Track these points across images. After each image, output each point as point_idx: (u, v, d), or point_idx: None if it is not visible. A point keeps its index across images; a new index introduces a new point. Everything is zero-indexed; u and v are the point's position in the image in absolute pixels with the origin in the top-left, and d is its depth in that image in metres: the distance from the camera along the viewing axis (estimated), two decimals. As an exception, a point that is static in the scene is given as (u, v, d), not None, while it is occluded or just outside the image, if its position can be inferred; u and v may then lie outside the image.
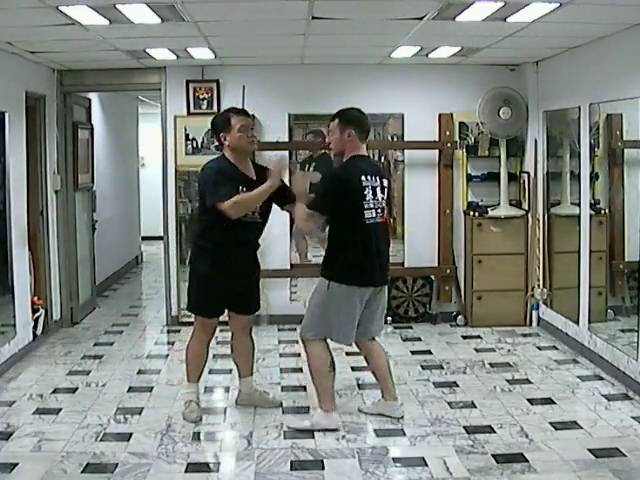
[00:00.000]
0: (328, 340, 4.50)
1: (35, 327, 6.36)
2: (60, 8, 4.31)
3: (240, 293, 4.64)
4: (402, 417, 4.60)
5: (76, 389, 5.30)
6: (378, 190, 4.39)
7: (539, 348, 6.30)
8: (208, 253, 4.53)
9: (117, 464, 3.99)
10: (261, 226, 4.60)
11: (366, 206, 4.32)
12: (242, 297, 4.68)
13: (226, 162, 4.50)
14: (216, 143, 7.11)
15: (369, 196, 4.34)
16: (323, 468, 3.96)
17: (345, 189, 4.31)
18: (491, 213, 6.97)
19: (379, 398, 4.74)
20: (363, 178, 4.32)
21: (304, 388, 5.24)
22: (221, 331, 6.89)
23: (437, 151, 7.05)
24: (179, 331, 7.01)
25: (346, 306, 4.37)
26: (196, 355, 4.74)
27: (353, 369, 5.63)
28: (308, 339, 4.50)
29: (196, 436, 4.43)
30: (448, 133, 7.01)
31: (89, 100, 8.06)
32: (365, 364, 5.97)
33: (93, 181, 8.06)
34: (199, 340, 4.72)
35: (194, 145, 7.07)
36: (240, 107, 6.80)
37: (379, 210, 4.39)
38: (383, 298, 4.62)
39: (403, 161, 7.37)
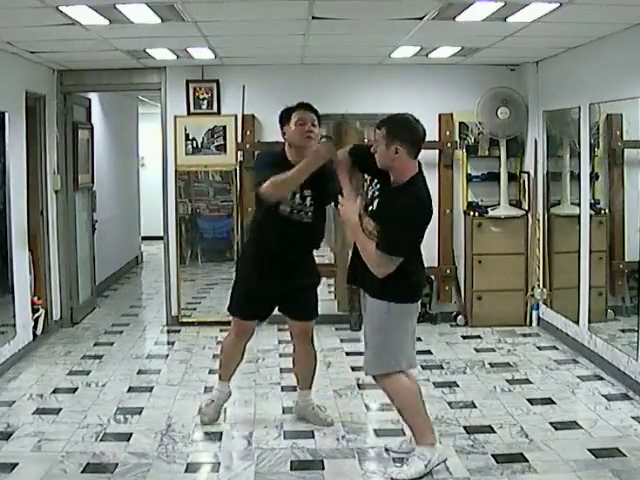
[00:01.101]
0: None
1: (35, 327, 6.36)
2: (60, 8, 4.31)
3: (289, 298, 4.38)
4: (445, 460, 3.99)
5: (76, 389, 5.30)
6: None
7: (539, 348, 6.30)
8: (250, 253, 4.42)
9: (117, 464, 3.99)
10: (314, 228, 4.30)
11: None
12: (292, 302, 4.41)
13: (280, 153, 4.28)
14: (216, 143, 7.28)
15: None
16: (323, 468, 3.96)
17: (428, 220, 3.82)
18: (491, 213, 6.97)
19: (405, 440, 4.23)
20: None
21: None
22: (221, 331, 6.94)
23: (437, 151, 7.05)
24: (179, 331, 7.01)
25: (408, 324, 3.91)
26: (228, 354, 4.62)
27: (353, 369, 5.63)
28: (381, 376, 3.94)
29: (196, 436, 4.43)
30: (448, 133, 7.01)
31: (89, 100, 8.06)
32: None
33: (93, 181, 8.06)
34: (232, 340, 4.59)
35: (194, 145, 7.06)
36: (242, 107, 6.95)
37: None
38: None
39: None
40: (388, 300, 3.78)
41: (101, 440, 4.34)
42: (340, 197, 3.85)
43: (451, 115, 7.03)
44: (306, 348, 4.53)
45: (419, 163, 3.80)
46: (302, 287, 4.38)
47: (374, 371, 3.94)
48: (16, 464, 3.98)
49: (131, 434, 4.42)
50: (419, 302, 4.04)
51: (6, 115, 5.76)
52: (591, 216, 5.88)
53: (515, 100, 6.91)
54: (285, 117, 4.29)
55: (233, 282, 4.58)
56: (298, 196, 4.18)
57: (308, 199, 4.21)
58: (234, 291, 4.54)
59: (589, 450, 4.09)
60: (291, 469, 3.95)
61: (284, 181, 3.97)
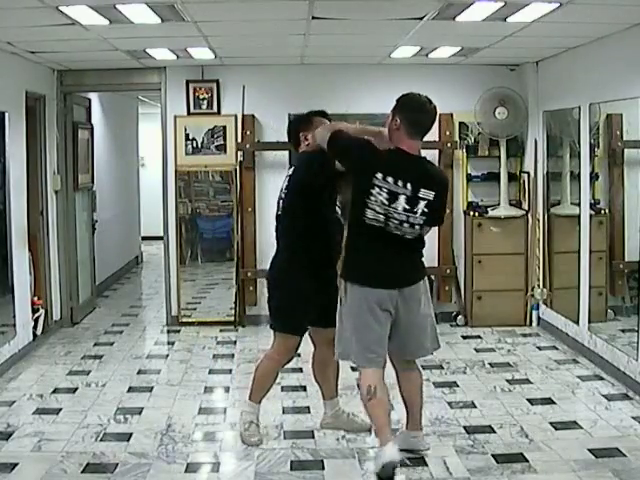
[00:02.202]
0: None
1: (35, 327, 6.36)
2: (60, 8, 4.31)
3: (327, 304, 4.02)
4: (428, 449, 4.07)
5: (76, 389, 5.30)
6: (402, 199, 3.65)
7: (539, 348, 6.30)
8: (296, 261, 4.10)
9: (117, 464, 3.99)
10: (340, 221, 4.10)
11: (378, 208, 3.67)
12: (328, 308, 4.01)
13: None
14: (216, 143, 7.28)
15: (382, 198, 3.65)
16: (323, 468, 3.96)
17: (362, 163, 3.73)
18: (491, 213, 6.97)
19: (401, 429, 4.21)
20: (379, 175, 3.65)
21: (304, 388, 5.24)
22: (221, 331, 6.95)
23: (437, 151, 7.04)
24: (179, 331, 7.02)
25: (362, 317, 3.77)
26: (265, 375, 4.29)
27: (353, 369, 5.62)
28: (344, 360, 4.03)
29: (196, 436, 4.43)
30: (448, 133, 7.01)
31: (89, 100, 8.07)
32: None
33: (93, 181, 8.07)
34: (274, 360, 4.27)
35: (194, 145, 7.07)
36: (242, 107, 6.94)
37: (394, 220, 3.68)
38: (419, 306, 3.88)
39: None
40: (343, 277, 3.82)
41: (101, 440, 4.34)
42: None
43: (451, 115, 7.03)
44: (332, 354, 4.10)
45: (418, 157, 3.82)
46: (336, 290, 4.00)
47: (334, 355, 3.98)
48: (16, 464, 3.98)
49: (131, 434, 4.42)
50: (383, 302, 3.73)
51: (6, 115, 5.77)
52: (591, 216, 5.88)
53: (513, 100, 6.90)
54: (305, 123, 4.17)
55: (272, 301, 4.27)
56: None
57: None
58: (277, 303, 4.23)
59: (589, 450, 4.09)
60: (291, 469, 3.95)
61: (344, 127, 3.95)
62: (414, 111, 3.78)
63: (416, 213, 3.67)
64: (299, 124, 4.21)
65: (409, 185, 3.65)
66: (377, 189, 3.64)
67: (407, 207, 3.65)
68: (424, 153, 7.23)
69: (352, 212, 3.78)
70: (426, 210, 3.68)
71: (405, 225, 3.67)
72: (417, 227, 3.71)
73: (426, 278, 3.97)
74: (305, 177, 4.06)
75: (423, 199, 3.67)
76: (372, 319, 3.75)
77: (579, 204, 5.99)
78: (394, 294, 3.77)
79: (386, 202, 3.64)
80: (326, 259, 4.05)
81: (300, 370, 5.58)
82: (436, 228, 7.05)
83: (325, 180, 3.98)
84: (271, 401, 4.82)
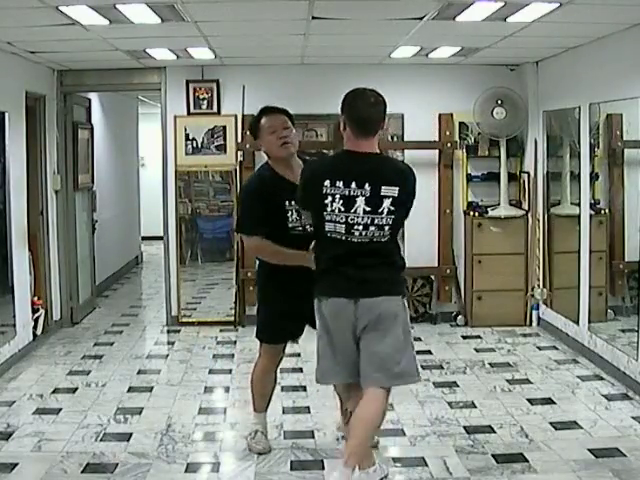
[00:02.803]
0: None
1: (35, 327, 6.36)
2: (60, 8, 4.31)
3: (309, 318, 3.79)
4: (386, 476, 3.75)
5: (76, 389, 5.30)
6: (361, 202, 3.35)
7: (539, 348, 6.30)
8: (269, 272, 4.00)
9: (117, 464, 3.99)
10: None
11: (336, 218, 3.38)
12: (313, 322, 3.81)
13: (268, 172, 3.91)
14: (216, 143, 7.28)
15: (337, 207, 3.37)
16: (323, 468, 3.96)
17: (311, 185, 3.48)
18: (491, 213, 6.97)
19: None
20: (327, 183, 3.37)
21: (304, 388, 5.24)
22: (221, 331, 6.95)
23: (437, 151, 7.05)
24: (179, 331, 7.02)
25: (322, 330, 3.56)
26: (259, 382, 4.19)
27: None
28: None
29: (196, 436, 4.43)
30: (448, 133, 7.01)
31: (89, 100, 8.07)
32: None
33: (93, 181, 8.07)
34: (262, 366, 4.16)
35: (194, 145, 7.07)
36: (242, 107, 6.94)
37: (357, 226, 3.37)
38: (383, 331, 3.45)
39: (403, 161, 7.35)
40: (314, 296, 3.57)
41: (101, 440, 4.34)
42: None
43: (451, 115, 7.03)
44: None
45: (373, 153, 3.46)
46: None
47: None
48: (16, 464, 3.98)
49: (131, 434, 4.41)
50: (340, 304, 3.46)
51: (6, 115, 5.77)
52: (591, 216, 5.88)
53: (512, 100, 6.89)
54: (255, 128, 3.96)
55: (257, 305, 4.27)
56: (295, 215, 3.84)
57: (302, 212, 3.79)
58: (259, 315, 4.17)
59: (589, 450, 4.09)
60: (291, 469, 3.95)
61: (273, 255, 3.81)
62: (356, 108, 3.48)
63: (382, 213, 3.36)
64: (254, 132, 3.98)
65: (367, 185, 3.34)
66: (329, 198, 3.35)
67: (368, 209, 3.34)
68: (425, 153, 7.37)
69: (314, 228, 3.54)
70: (392, 208, 3.37)
71: (372, 228, 3.35)
72: (387, 228, 3.39)
73: (404, 305, 3.52)
74: None
75: (387, 197, 3.35)
76: (330, 337, 3.50)
77: (579, 204, 5.99)
78: (349, 306, 3.41)
79: (343, 209, 3.34)
80: (298, 273, 3.75)
81: (300, 370, 5.58)
82: (436, 228, 7.11)
83: (250, 223, 3.85)
84: (271, 401, 4.81)
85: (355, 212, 3.34)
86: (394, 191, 3.37)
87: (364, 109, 3.47)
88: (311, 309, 3.66)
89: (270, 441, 4.26)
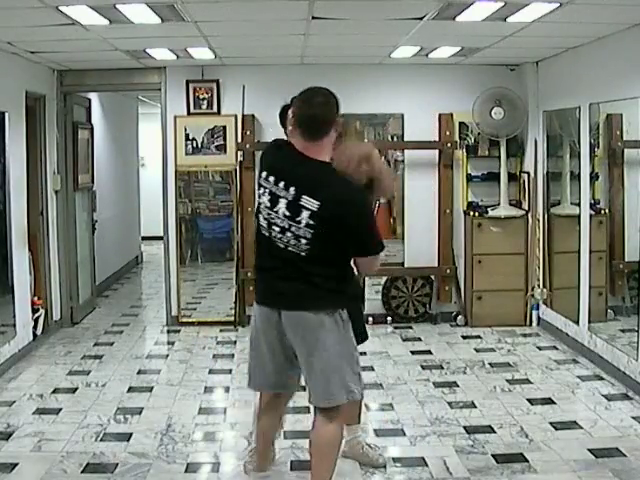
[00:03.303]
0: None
1: (35, 327, 6.36)
2: (60, 8, 4.31)
3: None
4: None
5: (76, 389, 5.30)
6: (283, 203, 3.13)
7: (539, 348, 6.30)
8: None
9: (117, 464, 3.99)
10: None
11: (263, 213, 3.23)
12: None
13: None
14: (216, 143, 7.28)
15: (265, 201, 3.20)
16: (323, 468, 3.95)
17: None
18: (491, 213, 6.97)
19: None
20: (264, 174, 3.23)
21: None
22: (221, 331, 6.95)
23: (437, 151, 7.05)
24: (179, 331, 7.02)
25: (252, 333, 3.44)
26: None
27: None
28: None
29: (196, 436, 4.43)
30: (448, 133, 7.01)
31: (89, 100, 8.07)
32: (364, 364, 5.98)
33: (93, 181, 8.07)
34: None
35: (194, 145, 7.06)
36: (242, 107, 6.92)
37: (275, 227, 3.17)
38: (301, 343, 3.25)
39: (403, 161, 7.37)
40: None
41: (101, 440, 4.34)
42: None
43: (451, 115, 7.03)
44: None
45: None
46: None
47: None
48: (16, 464, 3.98)
49: (131, 434, 4.42)
50: (266, 313, 3.29)
51: (6, 115, 5.77)
52: (591, 216, 5.88)
53: (510, 100, 6.88)
54: (283, 117, 3.96)
55: None
56: None
57: None
58: None
59: (589, 450, 4.09)
60: (291, 469, 3.96)
61: None
62: (301, 107, 3.29)
63: (299, 223, 3.09)
64: (282, 119, 3.88)
65: (292, 189, 3.11)
66: (262, 189, 3.22)
67: (288, 213, 3.11)
68: (424, 153, 7.37)
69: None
70: (312, 222, 3.06)
71: (288, 234, 3.12)
72: (304, 241, 3.09)
73: (335, 320, 3.22)
74: None
75: (305, 208, 3.07)
76: (258, 342, 3.36)
77: (579, 204, 5.99)
78: (274, 316, 3.25)
79: (269, 204, 3.17)
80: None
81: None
82: (436, 228, 7.11)
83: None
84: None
85: (277, 212, 3.15)
86: (313, 205, 3.06)
87: (310, 110, 3.25)
88: None
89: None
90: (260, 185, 3.24)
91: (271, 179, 3.17)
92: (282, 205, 3.12)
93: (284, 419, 3.78)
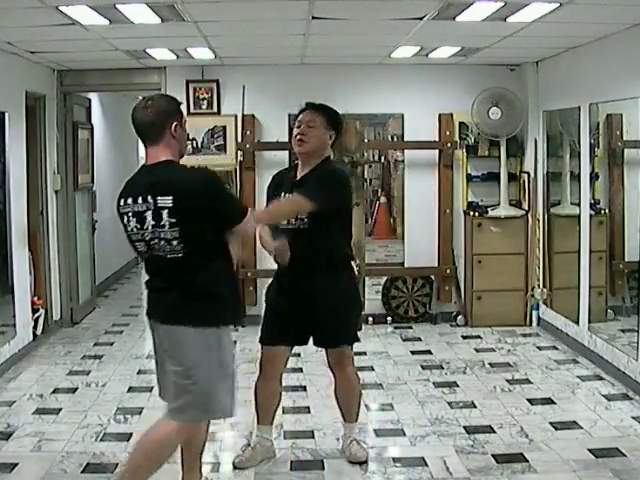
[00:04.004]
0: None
1: (35, 327, 6.36)
2: (60, 8, 4.31)
3: (310, 320, 3.83)
4: None
5: (76, 389, 5.30)
6: (149, 215, 3.08)
7: (539, 348, 6.30)
8: (275, 275, 4.01)
9: (117, 464, 3.99)
10: (316, 234, 3.76)
11: (136, 237, 3.20)
12: (313, 325, 3.87)
13: (294, 165, 4.05)
14: (216, 143, 7.27)
15: (132, 226, 3.16)
16: (323, 468, 3.96)
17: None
18: (491, 213, 6.97)
19: None
20: (122, 202, 3.18)
21: (304, 388, 5.24)
22: (221, 331, 6.94)
23: (437, 151, 7.05)
24: (179, 331, 7.00)
25: None
26: (258, 391, 4.03)
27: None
28: None
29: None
30: (448, 133, 7.01)
31: (89, 100, 8.06)
32: (364, 364, 5.99)
33: (93, 181, 8.06)
34: (260, 375, 4.02)
35: (194, 145, 7.05)
36: (242, 107, 6.93)
37: (152, 242, 3.12)
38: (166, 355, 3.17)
39: (403, 161, 7.38)
40: None
41: (101, 440, 4.34)
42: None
43: (451, 115, 7.03)
44: (340, 376, 3.99)
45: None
46: (320, 308, 3.81)
47: None
48: (16, 464, 3.98)
49: (131, 434, 4.41)
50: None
51: (6, 115, 5.77)
52: (591, 216, 5.88)
53: (507, 100, 6.87)
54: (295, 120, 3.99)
55: None
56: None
57: None
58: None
59: (589, 450, 4.09)
60: (291, 469, 3.95)
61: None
62: (133, 116, 3.25)
63: (164, 227, 3.06)
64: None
65: (149, 197, 3.07)
66: (125, 218, 3.16)
67: (154, 222, 3.08)
68: (424, 153, 7.37)
69: None
70: (173, 220, 3.04)
71: (162, 242, 3.09)
72: (176, 242, 3.07)
73: (206, 338, 3.10)
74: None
75: (163, 208, 3.05)
76: (155, 352, 3.31)
77: (579, 204, 5.99)
78: (157, 328, 3.21)
79: (139, 225, 3.11)
80: (298, 277, 3.80)
81: (300, 370, 5.58)
82: (436, 228, 7.11)
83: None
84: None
85: (147, 228, 3.10)
86: (167, 201, 3.04)
87: (136, 115, 3.22)
88: (306, 313, 3.78)
89: (270, 447, 4.13)
90: (121, 215, 3.18)
91: (129, 201, 3.13)
92: (149, 218, 3.08)
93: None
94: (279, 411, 4.72)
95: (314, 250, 3.77)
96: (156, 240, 3.09)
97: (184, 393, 3.10)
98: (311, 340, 3.96)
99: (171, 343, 3.12)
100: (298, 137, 3.82)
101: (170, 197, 3.04)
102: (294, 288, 3.84)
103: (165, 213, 3.05)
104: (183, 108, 7.24)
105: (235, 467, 3.99)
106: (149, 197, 3.07)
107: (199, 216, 3.06)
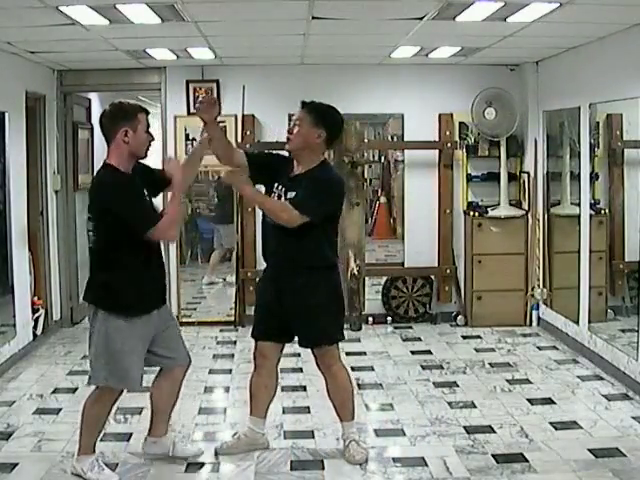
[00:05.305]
0: None
1: (35, 327, 6.36)
2: (60, 8, 4.31)
3: (291, 319, 3.95)
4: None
5: (76, 389, 5.30)
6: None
7: (539, 348, 6.30)
8: (265, 269, 4.17)
9: (117, 464, 3.99)
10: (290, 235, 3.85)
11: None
12: (293, 324, 3.96)
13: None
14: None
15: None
16: (323, 468, 3.96)
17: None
18: (491, 213, 6.97)
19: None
20: None
21: (304, 388, 5.25)
22: (221, 331, 6.95)
23: (437, 151, 7.05)
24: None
25: None
26: (251, 384, 4.14)
27: (353, 369, 5.62)
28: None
29: (196, 436, 4.43)
30: (448, 133, 7.01)
31: (89, 100, 8.06)
32: (364, 364, 5.99)
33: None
34: (254, 368, 4.14)
35: (194, 145, 7.05)
36: (242, 107, 6.93)
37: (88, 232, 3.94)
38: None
39: (403, 161, 7.37)
40: None
41: (101, 440, 4.31)
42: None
43: (451, 115, 7.04)
44: (328, 375, 4.04)
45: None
46: (300, 307, 3.91)
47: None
48: (16, 464, 3.98)
49: (131, 434, 4.41)
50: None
51: (6, 115, 5.77)
52: (591, 216, 5.88)
53: (502, 100, 6.86)
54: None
55: None
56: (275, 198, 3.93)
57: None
58: None
59: (589, 450, 4.09)
60: (291, 469, 3.95)
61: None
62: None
63: (90, 220, 3.82)
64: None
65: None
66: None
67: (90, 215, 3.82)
68: (424, 153, 7.37)
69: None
70: (90, 215, 3.81)
71: (90, 234, 3.85)
72: (92, 234, 3.82)
73: (102, 317, 3.86)
74: None
75: (89, 205, 3.85)
76: None
77: (579, 204, 5.99)
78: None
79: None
80: (273, 271, 4.00)
81: (300, 370, 5.58)
82: (436, 228, 7.11)
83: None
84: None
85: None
86: (90, 200, 3.79)
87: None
88: (290, 316, 3.91)
89: (270, 441, 4.23)
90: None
91: None
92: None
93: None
94: (279, 411, 4.75)
95: (295, 250, 3.86)
96: (88, 230, 3.80)
97: (93, 364, 3.99)
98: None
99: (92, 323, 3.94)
100: (286, 135, 3.96)
101: (90, 197, 3.82)
102: (276, 285, 3.95)
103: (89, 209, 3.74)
104: (183, 108, 7.25)
105: (216, 453, 4.11)
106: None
107: (102, 217, 3.72)
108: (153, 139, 3.84)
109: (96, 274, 3.88)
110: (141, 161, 3.88)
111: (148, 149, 3.82)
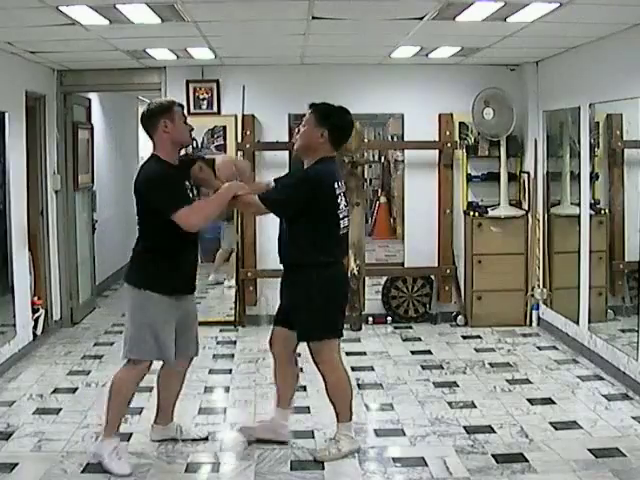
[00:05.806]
0: None
1: (35, 327, 6.36)
2: (60, 8, 4.31)
3: (288, 307, 4.16)
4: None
5: (76, 389, 5.30)
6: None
7: (539, 348, 6.30)
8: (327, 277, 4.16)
9: (117, 464, 3.99)
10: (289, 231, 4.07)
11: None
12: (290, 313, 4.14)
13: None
14: (216, 143, 7.27)
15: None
16: (323, 468, 3.96)
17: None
18: (491, 213, 6.97)
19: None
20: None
21: (304, 388, 5.24)
22: (221, 331, 6.95)
23: (437, 151, 7.05)
24: (179, 331, 7.00)
25: None
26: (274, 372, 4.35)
27: (353, 369, 5.62)
28: None
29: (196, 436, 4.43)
30: (448, 133, 7.01)
31: (89, 100, 8.06)
32: (364, 364, 5.99)
33: (93, 181, 8.06)
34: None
35: (194, 145, 7.05)
36: (242, 107, 6.94)
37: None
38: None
39: (403, 161, 7.38)
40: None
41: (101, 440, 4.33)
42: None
43: (451, 115, 7.04)
44: (320, 373, 4.13)
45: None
46: (288, 303, 4.13)
47: None
48: (16, 464, 3.98)
49: (131, 434, 4.42)
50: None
51: (6, 115, 5.77)
52: (591, 216, 5.88)
53: (500, 100, 6.85)
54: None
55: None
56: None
57: None
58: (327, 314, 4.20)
59: (589, 450, 4.09)
60: (291, 469, 3.95)
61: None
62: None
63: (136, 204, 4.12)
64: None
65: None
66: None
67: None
68: (424, 153, 7.38)
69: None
70: (135, 198, 4.12)
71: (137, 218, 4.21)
72: (137, 217, 4.19)
73: (135, 289, 4.40)
74: None
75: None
76: None
77: (579, 204, 5.99)
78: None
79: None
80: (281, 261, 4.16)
81: (300, 370, 5.57)
82: (436, 228, 7.12)
83: None
84: (271, 401, 4.82)
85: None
86: (133, 185, 4.03)
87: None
88: (288, 306, 4.13)
89: (279, 430, 4.24)
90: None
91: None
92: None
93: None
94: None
95: (286, 248, 4.07)
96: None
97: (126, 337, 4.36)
98: None
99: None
100: (294, 137, 4.10)
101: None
102: (281, 279, 4.20)
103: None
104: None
105: (238, 431, 4.36)
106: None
107: (143, 204, 4.05)
108: (192, 128, 4.12)
109: (137, 254, 4.31)
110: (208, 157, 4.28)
111: (190, 136, 4.15)
